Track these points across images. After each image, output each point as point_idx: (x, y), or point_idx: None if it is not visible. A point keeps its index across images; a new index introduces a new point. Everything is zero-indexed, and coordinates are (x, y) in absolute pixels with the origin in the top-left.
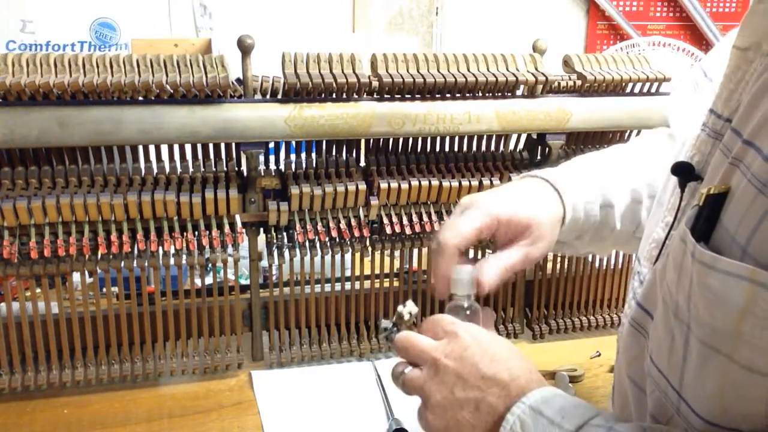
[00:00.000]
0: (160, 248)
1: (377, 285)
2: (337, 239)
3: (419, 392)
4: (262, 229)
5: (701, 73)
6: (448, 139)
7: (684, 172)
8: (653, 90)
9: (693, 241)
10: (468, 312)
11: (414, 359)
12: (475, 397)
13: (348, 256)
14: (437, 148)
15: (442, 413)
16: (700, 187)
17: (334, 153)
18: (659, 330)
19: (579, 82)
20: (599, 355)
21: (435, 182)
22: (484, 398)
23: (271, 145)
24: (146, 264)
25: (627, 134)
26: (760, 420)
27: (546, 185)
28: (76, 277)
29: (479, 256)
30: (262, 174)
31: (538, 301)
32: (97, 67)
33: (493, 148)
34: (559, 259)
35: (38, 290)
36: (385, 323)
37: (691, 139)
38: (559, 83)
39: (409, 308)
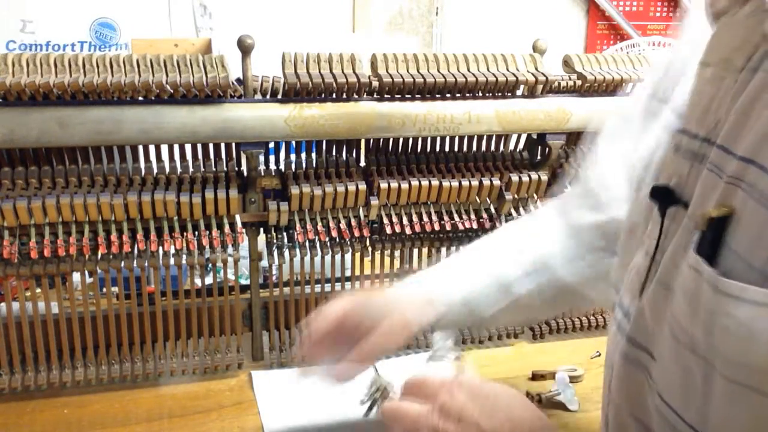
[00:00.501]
0: (160, 248)
1: (377, 285)
2: (337, 239)
3: None
4: (262, 229)
5: (651, 98)
6: (448, 139)
7: (664, 197)
8: None
9: (710, 270)
10: (450, 359)
11: (410, 430)
12: None
13: (348, 256)
14: (437, 148)
15: None
16: (694, 211)
17: (334, 153)
18: (668, 366)
19: (579, 82)
20: (599, 355)
21: (435, 182)
22: None
23: (271, 145)
24: (146, 264)
25: None
26: None
27: (416, 289)
28: (76, 277)
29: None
30: (262, 174)
31: None
32: (97, 67)
33: (493, 148)
34: None
35: (38, 290)
36: (363, 399)
37: (656, 163)
38: (559, 83)
39: (376, 384)
